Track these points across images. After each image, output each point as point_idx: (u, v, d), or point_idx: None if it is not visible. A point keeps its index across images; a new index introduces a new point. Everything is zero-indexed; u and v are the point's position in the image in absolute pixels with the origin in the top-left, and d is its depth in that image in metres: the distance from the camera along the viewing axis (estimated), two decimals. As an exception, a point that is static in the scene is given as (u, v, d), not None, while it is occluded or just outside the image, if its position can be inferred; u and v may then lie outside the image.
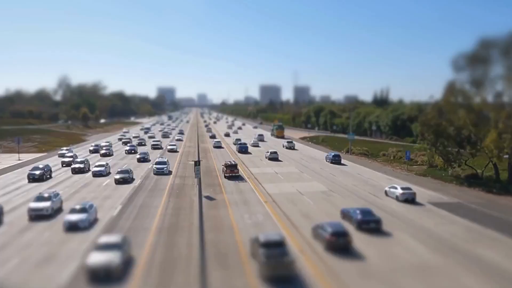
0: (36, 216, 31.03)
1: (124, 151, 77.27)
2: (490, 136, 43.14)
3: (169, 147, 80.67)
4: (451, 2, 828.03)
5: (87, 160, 56.66)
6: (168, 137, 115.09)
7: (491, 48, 44.41)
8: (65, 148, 79.89)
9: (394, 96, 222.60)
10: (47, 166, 50.63)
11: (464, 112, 45.78)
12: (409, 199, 37.18)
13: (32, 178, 46.81)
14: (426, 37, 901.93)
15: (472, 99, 46.90)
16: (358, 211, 29.22)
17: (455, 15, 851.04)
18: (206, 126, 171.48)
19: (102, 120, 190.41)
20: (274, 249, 19.26)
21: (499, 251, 24.82)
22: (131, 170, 49.04)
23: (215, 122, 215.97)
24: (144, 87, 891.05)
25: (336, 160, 62.79)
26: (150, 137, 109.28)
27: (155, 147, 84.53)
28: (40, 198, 32.47)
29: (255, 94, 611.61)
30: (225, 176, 48.89)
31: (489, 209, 35.33)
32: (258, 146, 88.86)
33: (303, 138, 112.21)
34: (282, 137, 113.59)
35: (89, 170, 53.73)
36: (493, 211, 34.71)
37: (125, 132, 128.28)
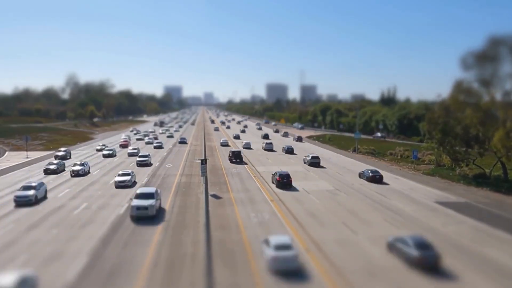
0: None
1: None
2: (498, 134, 42.72)
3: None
4: (459, 3, 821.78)
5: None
6: None
7: (500, 46, 43.95)
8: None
9: (401, 95, 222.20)
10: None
11: (472, 111, 45.35)
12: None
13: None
14: (434, 36, 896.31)
15: (480, 97, 46.48)
16: None
17: (463, 15, 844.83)
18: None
19: (109, 119, 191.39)
20: None
21: (507, 251, 24.61)
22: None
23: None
24: (151, 85, 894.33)
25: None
26: None
27: None
28: None
29: (261, 92, 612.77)
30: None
31: (497, 209, 35.02)
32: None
33: (309, 137, 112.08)
34: None
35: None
36: (501, 211, 34.39)
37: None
